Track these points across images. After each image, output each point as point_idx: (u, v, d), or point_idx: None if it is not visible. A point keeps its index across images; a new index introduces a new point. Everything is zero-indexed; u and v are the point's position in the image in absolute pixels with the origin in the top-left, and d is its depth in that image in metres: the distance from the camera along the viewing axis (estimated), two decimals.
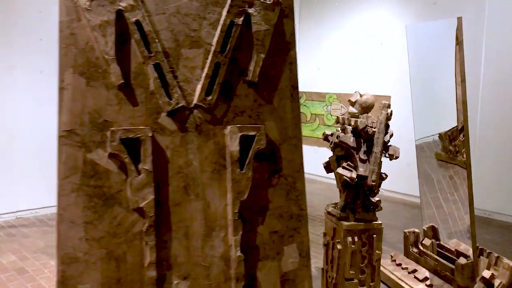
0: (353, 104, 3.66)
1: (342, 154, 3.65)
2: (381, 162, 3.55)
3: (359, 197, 3.66)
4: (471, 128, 6.44)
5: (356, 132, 3.56)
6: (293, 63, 1.47)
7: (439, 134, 4.58)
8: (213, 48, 1.55)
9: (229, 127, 1.61)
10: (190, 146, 1.59)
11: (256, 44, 1.59)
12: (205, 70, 1.53)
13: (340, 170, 3.59)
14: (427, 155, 4.87)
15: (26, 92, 5.78)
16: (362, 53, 7.71)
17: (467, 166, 3.63)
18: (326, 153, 8.04)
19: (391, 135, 3.56)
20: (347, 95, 7.88)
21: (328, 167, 3.78)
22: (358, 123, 3.51)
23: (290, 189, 1.53)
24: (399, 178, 6.32)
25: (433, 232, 4.40)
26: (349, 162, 3.61)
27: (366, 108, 3.62)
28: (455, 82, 3.75)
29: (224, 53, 1.58)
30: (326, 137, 3.68)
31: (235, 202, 1.62)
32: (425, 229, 4.42)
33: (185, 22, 1.51)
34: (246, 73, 1.61)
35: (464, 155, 3.72)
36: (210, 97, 1.57)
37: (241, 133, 1.59)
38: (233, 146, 1.60)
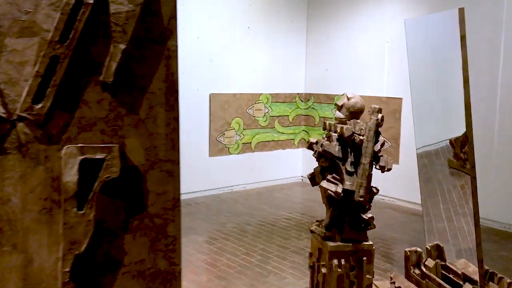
0: (339, 108, 3.23)
1: (327, 165, 3.21)
2: (370, 174, 3.10)
3: (347, 214, 3.22)
4: (488, 134, 5.91)
5: (342, 140, 3.13)
6: (172, 58, 1.05)
7: (450, 140, 4.13)
8: (49, 36, 1.10)
9: (65, 147, 1.13)
10: (8, 175, 1.12)
11: (115, 30, 1.12)
12: (36, 66, 1.09)
13: (324, 183, 3.16)
14: (440, 162, 4.41)
15: None
16: (373, 53, 7.23)
17: (471, 178, 3.15)
18: None
19: (382, 144, 3.11)
20: None
21: (314, 179, 3.35)
22: (344, 130, 3.08)
23: (157, 235, 1.08)
24: (411, 186, 5.81)
25: (438, 252, 3.92)
26: (334, 175, 3.17)
27: (354, 113, 3.18)
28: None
29: (66, 43, 1.10)
30: (310, 145, 3.26)
31: (67, 257, 1.12)
32: (429, 247, 3.94)
33: (13, 1, 1.10)
34: (101, 71, 1.14)
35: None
36: (40, 105, 1.09)
37: (82, 156, 1.12)
38: (68, 175, 1.11)
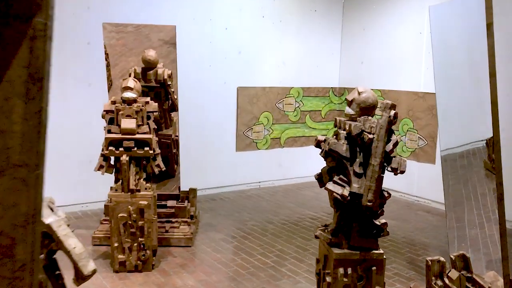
0: (349, 103, 2.95)
1: (334, 165, 2.95)
2: (381, 177, 2.82)
3: (356, 219, 2.95)
4: None
5: (350, 138, 2.86)
6: (38, 39, 0.84)
7: (486, 140, 3.77)
8: None
9: None
10: None
11: None
12: None
13: (329, 185, 2.90)
14: (477, 164, 4.05)
15: None
16: (410, 45, 6.81)
17: (496, 184, 2.81)
18: None
19: (395, 144, 2.82)
20: (392, 91, 7.01)
21: (321, 180, 3.09)
22: (352, 127, 2.81)
23: (1, 258, 0.86)
24: None
25: (464, 262, 3.57)
26: (341, 176, 2.91)
27: (365, 109, 2.90)
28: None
29: None
30: (318, 143, 3.00)
31: None
32: (453, 257, 3.60)
33: None
34: None
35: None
36: None
37: None
38: None
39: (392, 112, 2.78)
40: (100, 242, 4.75)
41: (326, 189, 2.94)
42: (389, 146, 2.80)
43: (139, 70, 4.84)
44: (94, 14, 5.61)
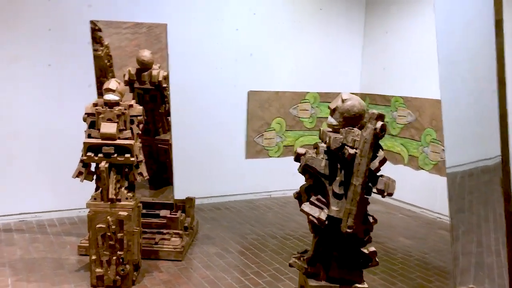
0: (332, 112, 2.56)
1: (311, 183, 2.56)
2: (364, 199, 2.42)
3: (336, 246, 2.55)
4: None
5: (331, 153, 2.47)
6: None
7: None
8: None
9: None
10: None
11: None
12: None
13: (305, 206, 2.52)
14: (497, 181, 3.56)
15: (33, 86, 5.37)
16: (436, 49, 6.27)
17: (504, 211, 2.35)
18: (401, 172, 6.67)
19: (382, 161, 2.41)
20: (415, 99, 6.49)
21: (300, 199, 2.71)
22: (331, 140, 2.42)
23: None
24: None
25: None
26: (319, 196, 2.52)
27: (349, 119, 2.50)
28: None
29: None
30: (297, 157, 2.62)
31: None
32: None
33: None
34: None
35: None
36: None
37: None
38: None
39: (379, 124, 2.37)
40: (86, 252, 4.49)
41: (302, 211, 2.55)
42: (375, 163, 2.39)
43: (133, 71, 4.57)
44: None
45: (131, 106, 3.88)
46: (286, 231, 5.49)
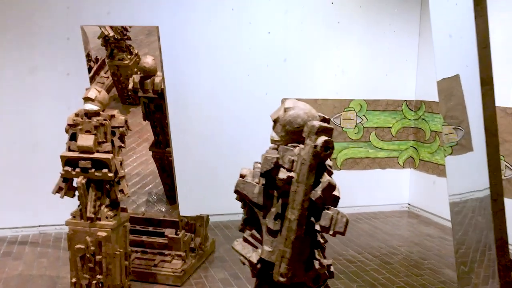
0: (274, 124, 2.00)
1: (246, 216, 2.02)
2: (304, 239, 1.83)
3: None
4: None
5: (267, 176, 1.91)
6: None
7: None
8: None
9: None
10: None
11: None
12: None
13: (237, 244, 1.99)
14: None
15: (52, 96, 5.28)
16: (497, 52, 5.35)
17: (494, 229, 1.66)
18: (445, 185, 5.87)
19: (327, 189, 1.80)
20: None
21: (243, 231, 2.17)
22: (262, 160, 1.87)
23: None
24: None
25: None
26: (253, 232, 1.97)
27: (292, 134, 1.93)
28: None
29: None
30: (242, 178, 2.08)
31: None
32: None
33: None
34: None
35: None
36: None
37: None
38: None
39: (320, 140, 1.78)
40: None
41: (233, 248, 2.02)
42: (316, 191, 1.80)
43: (137, 79, 4.27)
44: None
45: (113, 116, 3.55)
46: None
